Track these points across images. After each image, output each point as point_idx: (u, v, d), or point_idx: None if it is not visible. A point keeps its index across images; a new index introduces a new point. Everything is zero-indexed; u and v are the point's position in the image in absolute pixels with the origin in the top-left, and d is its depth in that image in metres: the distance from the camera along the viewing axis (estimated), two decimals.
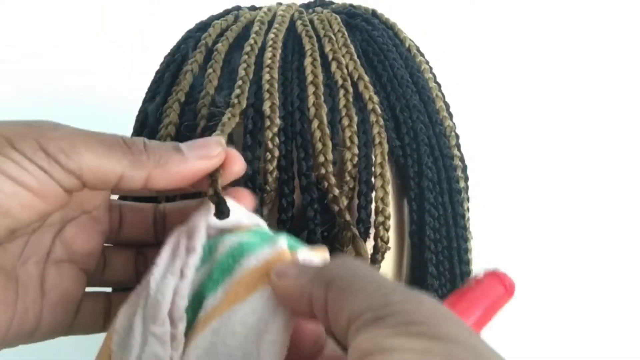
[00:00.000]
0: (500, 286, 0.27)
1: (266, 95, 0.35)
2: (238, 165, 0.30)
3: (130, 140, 0.27)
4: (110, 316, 0.32)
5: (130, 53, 0.69)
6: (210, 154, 0.29)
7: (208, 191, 0.28)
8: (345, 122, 0.36)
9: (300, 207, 0.35)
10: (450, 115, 0.44)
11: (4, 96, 0.66)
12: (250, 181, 0.34)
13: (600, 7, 0.72)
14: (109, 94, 0.68)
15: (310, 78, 0.37)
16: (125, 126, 0.44)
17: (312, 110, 0.36)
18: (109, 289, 0.34)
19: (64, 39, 0.69)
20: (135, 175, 0.27)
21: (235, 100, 0.35)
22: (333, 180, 0.35)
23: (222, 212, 0.27)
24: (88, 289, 0.31)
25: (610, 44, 0.72)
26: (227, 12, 0.43)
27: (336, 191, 0.34)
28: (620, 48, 0.72)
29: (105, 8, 0.71)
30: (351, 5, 0.45)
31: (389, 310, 0.20)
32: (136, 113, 0.42)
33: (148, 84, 0.43)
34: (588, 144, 0.72)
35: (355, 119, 0.36)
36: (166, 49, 0.44)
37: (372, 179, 0.36)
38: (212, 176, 0.29)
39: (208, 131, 0.35)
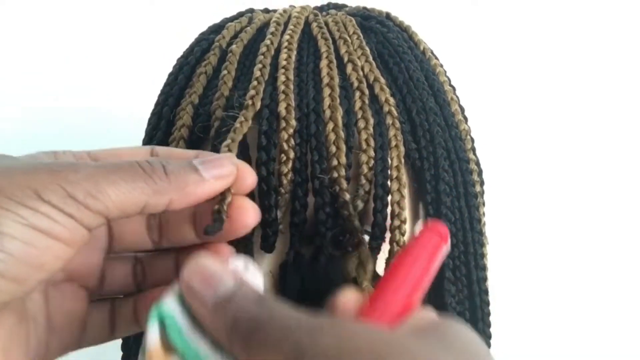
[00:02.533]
0: (435, 236, 0.27)
1: (282, 96, 0.35)
2: (250, 179, 0.30)
3: (149, 167, 0.27)
4: (115, 323, 0.32)
5: (130, 57, 0.69)
6: (224, 173, 0.29)
7: (214, 207, 0.29)
8: (361, 124, 0.36)
9: (313, 211, 0.34)
10: (466, 118, 0.43)
11: (2, 96, 0.66)
12: (265, 183, 0.34)
13: (600, 7, 0.71)
14: (109, 97, 0.68)
15: (326, 80, 0.36)
16: (128, 131, 0.44)
17: (328, 112, 0.35)
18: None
19: (61, 42, 0.69)
20: (159, 202, 0.27)
21: (250, 102, 0.35)
22: (344, 184, 0.34)
23: (214, 229, 0.28)
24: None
25: (610, 44, 0.71)
26: (240, 15, 0.43)
27: (347, 196, 0.34)
28: (621, 48, 0.71)
29: (104, 14, 0.71)
30: (365, 8, 0.45)
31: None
32: (138, 117, 0.42)
33: (149, 90, 0.43)
34: (589, 147, 0.71)
35: (372, 121, 0.36)
36: (167, 55, 0.44)
37: (388, 182, 0.35)
38: (222, 194, 0.29)
39: (222, 136, 0.35)
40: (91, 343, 0.31)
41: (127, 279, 0.32)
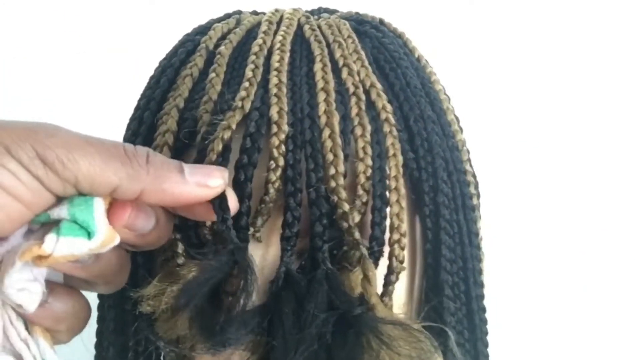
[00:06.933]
0: None
1: (274, 99, 0.33)
2: (231, 204, 0.29)
3: (132, 151, 0.27)
4: None
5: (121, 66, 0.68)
6: (210, 184, 0.28)
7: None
8: (358, 131, 0.34)
9: (305, 223, 0.32)
10: (461, 129, 0.42)
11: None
12: (240, 188, 0.31)
13: (599, 7, 0.70)
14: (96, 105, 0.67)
15: (320, 84, 0.34)
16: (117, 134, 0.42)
17: (324, 118, 0.33)
18: None
19: (55, 47, 0.68)
20: (131, 188, 0.27)
21: (239, 104, 0.32)
22: (344, 194, 0.32)
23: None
24: None
25: (610, 45, 0.70)
26: (227, 16, 0.41)
27: (346, 206, 0.31)
28: (620, 49, 0.70)
29: (96, 21, 0.69)
30: (357, 13, 0.43)
31: None
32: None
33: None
34: (589, 150, 0.70)
35: (369, 128, 0.34)
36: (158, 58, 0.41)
37: (387, 193, 0.33)
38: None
39: (209, 142, 0.32)
40: None
41: None
